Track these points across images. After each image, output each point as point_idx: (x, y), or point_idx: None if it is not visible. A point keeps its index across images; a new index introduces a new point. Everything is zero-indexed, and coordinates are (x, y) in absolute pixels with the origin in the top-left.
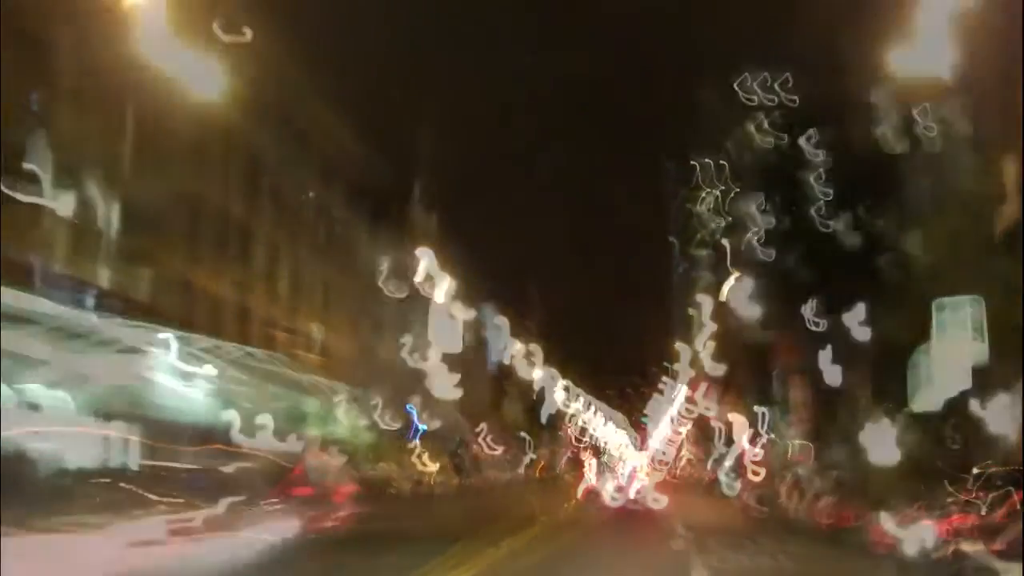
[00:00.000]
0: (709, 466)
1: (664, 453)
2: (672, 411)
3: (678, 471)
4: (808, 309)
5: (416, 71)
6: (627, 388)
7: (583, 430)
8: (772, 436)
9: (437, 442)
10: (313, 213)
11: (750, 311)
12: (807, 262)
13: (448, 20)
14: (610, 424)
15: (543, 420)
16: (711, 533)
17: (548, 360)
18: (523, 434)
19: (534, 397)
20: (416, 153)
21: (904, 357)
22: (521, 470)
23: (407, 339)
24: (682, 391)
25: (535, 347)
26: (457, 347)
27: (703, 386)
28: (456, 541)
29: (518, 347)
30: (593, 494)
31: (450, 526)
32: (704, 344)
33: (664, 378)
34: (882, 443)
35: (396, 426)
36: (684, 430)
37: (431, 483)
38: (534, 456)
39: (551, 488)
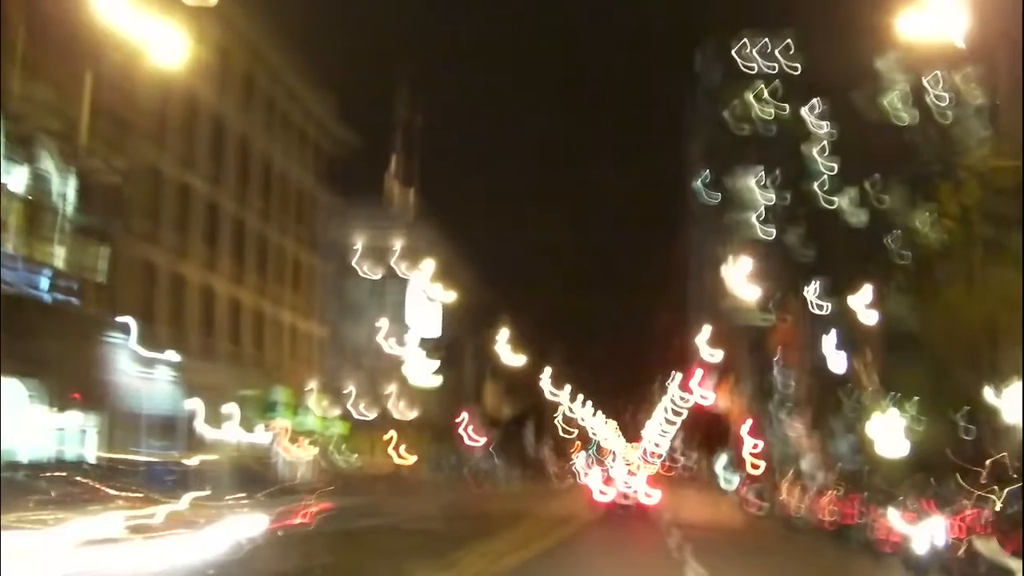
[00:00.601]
0: (705, 459)
1: (657, 445)
2: (665, 400)
3: (672, 464)
4: (811, 291)
5: (394, 35)
6: (620, 376)
7: (571, 420)
8: (772, 427)
9: (415, 432)
10: (282, 188)
11: (749, 293)
12: (809, 240)
13: None
14: (600, 414)
15: (529, 409)
16: (707, 533)
17: (535, 346)
18: (507, 424)
19: (519, 384)
20: (394, 124)
21: (914, 342)
22: (506, 461)
23: (383, 323)
24: (676, 379)
25: (522, 332)
26: (436, 331)
27: (698, 373)
28: (432, 542)
29: (503, 332)
30: (581, 489)
31: (426, 526)
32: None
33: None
34: (890, 434)
35: (371, 415)
36: (679, 420)
37: (408, 475)
38: (521, 446)
39: (536, 482)
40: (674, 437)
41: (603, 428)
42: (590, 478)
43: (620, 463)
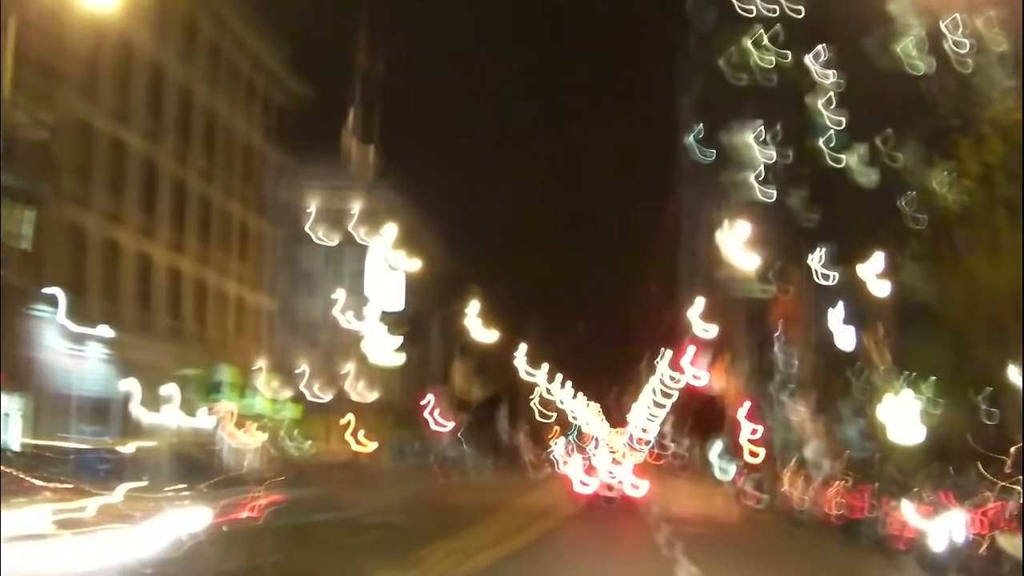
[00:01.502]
0: (698, 446)
1: (645, 431)
2: (654, 381)
3: (661, 451)
4: (816, 259)
5: None
6: (604, 354)
7: (549, 403)
8: (773, 410)
9: (375, 416)
10: (228, 146)
11: (747, 261)
12: (814, 203)
13: None
14: (581, 396)
15: (502, 391)
16: (700, 528)
17: (510, 320)
18: (478, 407)
19: (491, 363)
20: (351, 74)
21: (930, 315)
22: (477, 448)
23: (339, 295)
24: (666, 356)
25: (495, 305)
26: (399, 304)
27: (691, 350)
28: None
29: (473, 304)
30: (560, 479)
31: (387, 520)
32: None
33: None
34: (903, 418)
35: (326, 397)
36: (669, 403)
37: (368, 464)
38: (493, 432)
39: (510, 471)
40: (663, 422)
41: (585, 412)
42: (570, 467)
43: (603, 450)
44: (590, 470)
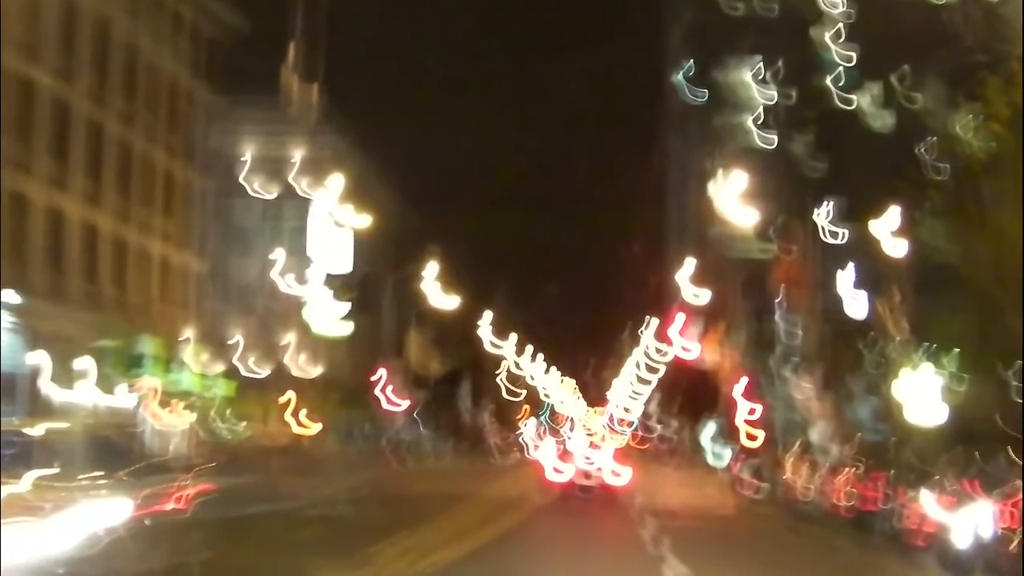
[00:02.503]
0: (688, 428)
1: (627, 410)
2: (637, 354)
3: (646, 434)
4: (823, 214)
5: None
6: (580, 323)
7: (518, 379)
8: (773, 387)
9: (319, 394)
10: (151, 85)
11: (744, 217)
12: (821, 150)
13: None
14: (554, 371)
15: (464, 365)
16: (691, 522)
17: (473, 284)
18: (437, 383)
19: (451, 333)
20: (293, 4)
21: (954, 279)
22: (435, 431)
23: (278, 255)
24: (651, 326)
25: (456, 267)
26: (346, 266)
27: (680, 319)
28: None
29: (431, 266)
30: (531, 465)
31: (334, 512)
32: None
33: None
34: (923, 396)
35: (263, 373)
36: (654, 379)
37: (311, 448)
38: (454, 412)
39: (474, 456)
40: (648, 400)
41: (558, 389)
42: (541, 452)
43: (580, 433)
44: (564, 455)
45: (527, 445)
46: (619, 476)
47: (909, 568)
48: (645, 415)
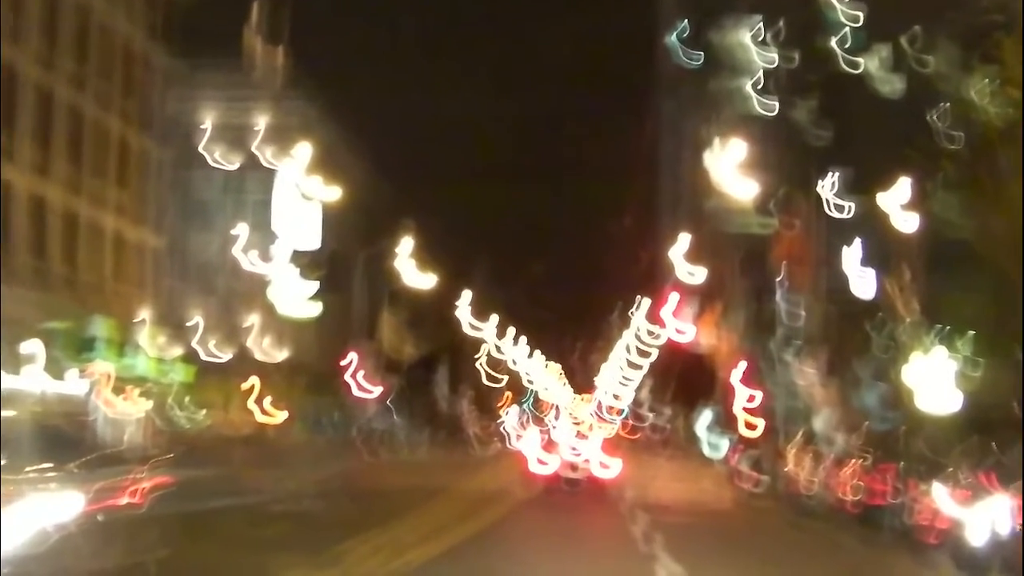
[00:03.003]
0: (682, 416)
1: (617, 397)
2: (628, 336)
3: (637, 423)
4: (827, 186)
5: None
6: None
7: (499, 363)
8: (774, 372)
9: (285, 380)
10: (104, 48)
11: (742, 188)
12: (826, 117)
13: None
14: (538, 355)
15: (441, 349)
16: (685, 517)
17: (450, 262)
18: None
19: (427, 314)
20: None
21: (968, 255)
22: (410, 419)
23: (241, 231)
24: (643, 307)
25: (432, 243)
26: (314, 242)
27: (673, 298)
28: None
29: (406, 242)
30: (513, 456)
31: (300, 507)
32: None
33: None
34: (935, 381)
35: (225, 357)
36: (646, 364)
37: (276, 438)
38: (430, 399)
39: (451, 447)
40: (640, 387)
41: (542, 374)
42: (524, 442)
43: (566, 422)
44: (549, 445)
45: (509, 435)
46: (608, 468)
47: (920, 567)
48: (636, 403)
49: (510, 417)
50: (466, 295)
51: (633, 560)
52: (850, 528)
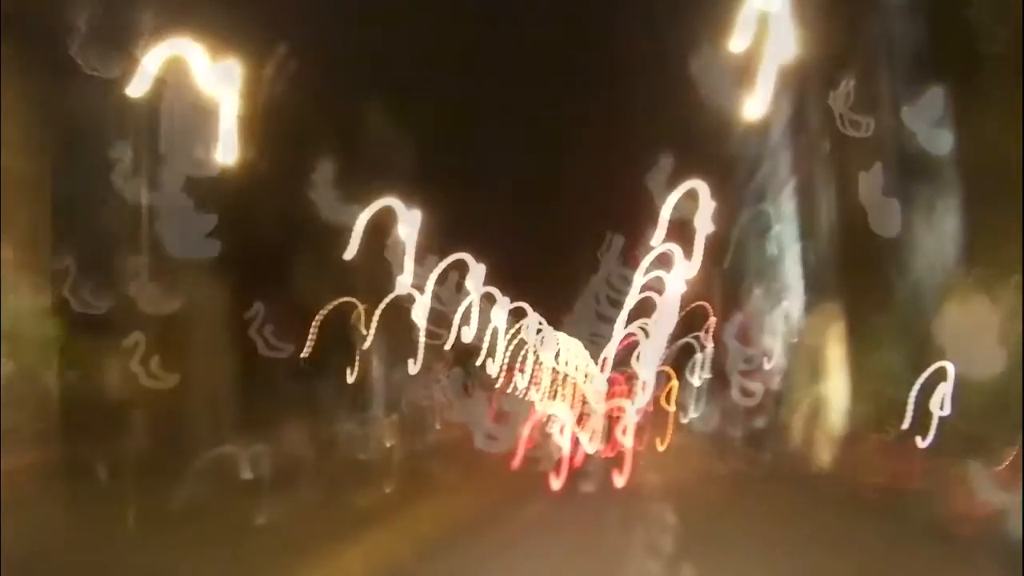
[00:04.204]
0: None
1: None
2: (598, 284)
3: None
4: (840, 98)
5: None
6: (520, 242)
7: (443, 316)
8: (777, 326)
9: (177, 335)
10: None
11: (735, 97)
12: (839, 14)
13: None
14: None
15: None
16: (667, 504)
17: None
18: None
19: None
20: None
21: (1010, 181)
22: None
23: (123, 151)
24: (615, 246)
25: (356, 166)
26: (214, 167)
27: (655, 236)
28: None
29: (324, 165)
30: (453, 427)
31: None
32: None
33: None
34: (973, 337)
35: (103, 307)
36: (620, 316)
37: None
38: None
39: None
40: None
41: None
42: (468, 412)
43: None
44: (499, 416)
45: (449, 402)
46: (576, 442)
47: (954, 563)
48: (603, 366)
49: (452, 381)
50: (401, 230)
51: (603, 554)
52: (868, 517)
